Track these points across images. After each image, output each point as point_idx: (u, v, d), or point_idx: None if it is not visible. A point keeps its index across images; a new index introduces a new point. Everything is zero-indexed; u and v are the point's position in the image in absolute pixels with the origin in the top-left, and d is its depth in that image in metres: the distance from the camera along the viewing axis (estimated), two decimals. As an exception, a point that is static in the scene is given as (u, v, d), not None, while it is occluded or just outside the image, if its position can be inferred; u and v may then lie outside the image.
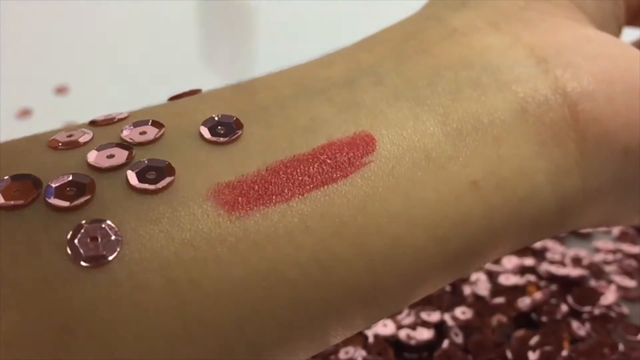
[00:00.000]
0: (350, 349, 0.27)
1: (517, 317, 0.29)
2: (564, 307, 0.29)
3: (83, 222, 0.14)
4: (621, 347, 0.27)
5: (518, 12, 0.21)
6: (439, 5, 0.22)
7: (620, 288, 0.30)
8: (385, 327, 0.28)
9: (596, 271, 0.31)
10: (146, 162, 0.16)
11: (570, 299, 0.29)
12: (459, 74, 0.19)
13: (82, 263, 0.14)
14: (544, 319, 0.28)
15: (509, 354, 0.27)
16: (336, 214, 0.16)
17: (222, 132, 0.17)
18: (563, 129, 0.19)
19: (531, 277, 0.31)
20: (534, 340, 0.27)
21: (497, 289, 0.30)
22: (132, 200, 0.15)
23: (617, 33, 0.23)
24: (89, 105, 0.45)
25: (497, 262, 0.31)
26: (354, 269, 0.17)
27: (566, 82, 0.19)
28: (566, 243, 0.33)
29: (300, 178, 0.16)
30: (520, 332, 0.28)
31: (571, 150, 0.19)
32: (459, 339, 0.27)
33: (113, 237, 0.15)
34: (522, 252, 0.32)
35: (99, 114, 0.18)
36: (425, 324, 0.28)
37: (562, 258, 0.32)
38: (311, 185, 0.16)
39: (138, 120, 0.17)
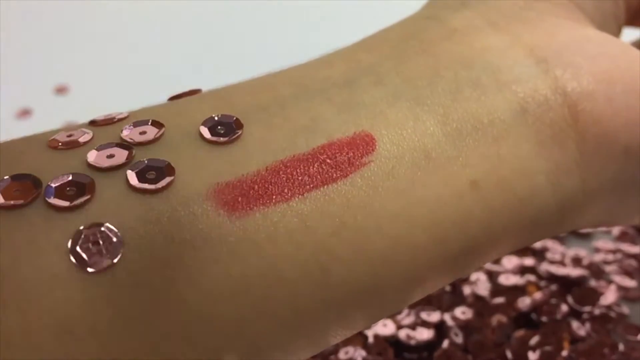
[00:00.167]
0: (350, 349, 0.27)
1: (517, 317, 0.29)
2: (564, 307, 0.29)
3: (81, 227, 0.14)
4: (621, 347, 0.27)
5: (518, 12, 0.21)
6: (439, 6, 0.22)
7: (620, 288, 0.30)
8: (385, 327, 0.28)
9: (596, 271, 0.31)
10: (146, 162, 0.16)
11: (570, 299, 0.29)
12: (459, 74, 0.19)
13: (89, 269, 0.14)
14: (544, 319, 0.28)
15: (509, 354, 0.27)
16: (336, 214, 0.16)
17: (222, 132, 0.17)
18: (563, 129, 0.19)
19: (531, 277, 0.31)
20: (534, 340, 0.27)
21: (497, 289, 0.30)
22: (132, 200, 0.15)
23: (616, 33, 0.23)
24: (89, 105, 0.45)
25: (497, 262, 0.31)
26: (354, 269, 0.17)
27: (566, 82, 0.19)
28: (566, 243, 0.33)
29: (300, 178, 0.16)
30: (520, 332, 0.28)
31: (571, 150, 0.19)
32: (459, 339, 0.27)
33: (115, 240, 0.15)
34: (522, 252, 0.32)
35: (99, 114, 0.18)
36: (425, 324, 0.28)
37: (562, 258, 0.32)
38: (311, 185, 0.16)
39: (138, 120, 0.17)
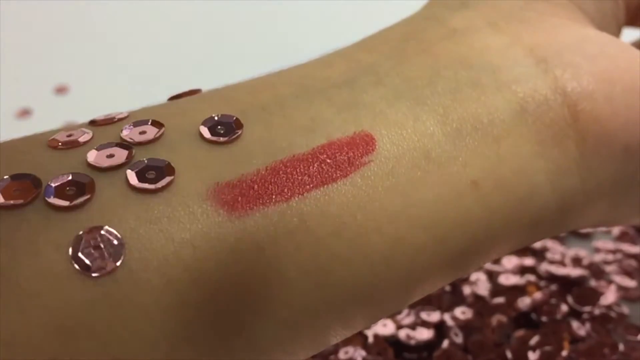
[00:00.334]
0: (350, 349, 0.27)
1: (517, 317, 0.29)
2: (564, 307, 0.29)
3: (81, 232, 0.14)
4: (621, 347, 0.27)
5: (518, 13, 0.21)
6: (439, 6, 0.22)
7: (620, 288, 0.30)
8: (385, 327, 0.28)
9: (596, 271, 0.31)
10: (146, 161, 0.16)
11: (570, 299, 0.29)
12: (458, 73, 0.19)
13: (93, 274, 0.14)
14: (544, 319, 0.28)
15: (509, 354, 0.27)
16: (336, 214, 0.16)
17: (222, 131, 0.17)
18: (563, 129, 0.19)
19: (531, 277, 0.31)
20: (534, 340, 0.27)
21: (497, 289, 0.30)
22: (131, 200, 0.15)
23: (616, 33, 0.23)
24: (89, 105, 0.45)
25: (497, 262, 0.31)
26: (354, 269, 0.17)
27: (566, 82, 0.19)
28: (566, 243, 0.33)
29: (300, 178, 0.16)
30: (520, 332, 0.28)
31: (571, 150, 0.19)
32: (459, 339, 0.27)
33: (116, 242, 0.15)
34: (522, 252, 0.32)
35: (99, 114, 0.18)
36: (425, 324, 0.28)
37: (562, 258, 0.32)
38: (311, 185, 0.16)
39: (138, 119, 0.17)
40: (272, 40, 0.54)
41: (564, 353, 0.27)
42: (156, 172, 0.16)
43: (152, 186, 0.15)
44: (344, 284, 0.17)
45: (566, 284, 0.30)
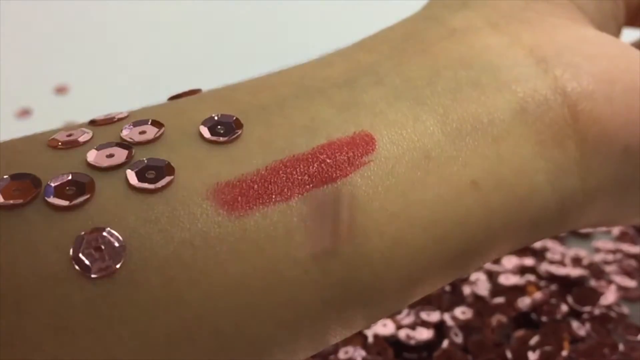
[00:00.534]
0: (350, 349, 0.27)
1: (517, 317, 0.29)
2: (564, 307, 0.29)
3: (83, 232, 0.14)
4: (621, 347, 0.27)
5: (518, 13, 0.21)
6: (439, 6, 0.22)
7: (620, 288, 0.30)
8: (384, 327, 0.28)
9: (596, 271, 0.31)
10: (146, 161, 0.16)
11: (570, 299, 0.29)
12: (458, 73, 0.19)
13: (93, 275, 0.14)
14: (544, 319, 0.28)
15: (508, 354, 0.27)
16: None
17: (221, 131, 0.17)
18: (563, 129, 0.19)
19: (531, 277, 0.31)
20: (534, 340, 0.27)
21: (497, 289, 0.30)
22: (131, 200, 0.15)
23: (616, 33, 0.23)
24: (89, 105, 0.45)
25: (497, 262, 0.31)
26: (354, 269, 0.17)
27: (566, 82, 0.19)
28: (566, 243, 0.33)
29: (300, 177, 0.16)
30: (520, 332, 0.28)
31: (571, 150, 0.19)
32: (459, 339, 0.27)
33: (117, 245, 0.15)
34: (522, 252, 0.32)
35: (99, 114, 0.18)
36: (425, 324, 0.28)
37: (562, 258, 0.32)
38: (311, 185, 0.16)
39: (138, 119, 0.17)
40: (272, 40, 0.54)
41: (564, 353, 0.27)
42: (156, 171, 0.16)
43: (151, 186, 0.15)
44: (344, 284, 0.17)
45: (566, 284, 0.30)
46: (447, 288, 0.30)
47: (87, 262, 0.14)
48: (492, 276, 0.31)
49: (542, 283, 0.30)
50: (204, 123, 0.17)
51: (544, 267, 0.31)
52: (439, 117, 0.18)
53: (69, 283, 0.14)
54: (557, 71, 0.19)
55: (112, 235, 0.15)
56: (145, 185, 0.15)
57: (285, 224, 0.16)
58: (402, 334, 0.28)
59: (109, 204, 0.15)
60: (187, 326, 0.15)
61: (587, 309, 0.29)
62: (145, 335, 0.15)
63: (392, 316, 0.28)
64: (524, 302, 0.29)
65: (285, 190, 0.16)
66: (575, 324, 0.28)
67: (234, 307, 0.15)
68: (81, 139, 0.16)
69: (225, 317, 0.15)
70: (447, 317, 0.28)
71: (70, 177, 0.15)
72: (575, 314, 0.29)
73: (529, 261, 0.31)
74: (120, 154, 0.16)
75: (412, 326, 0.28)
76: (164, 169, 0.16)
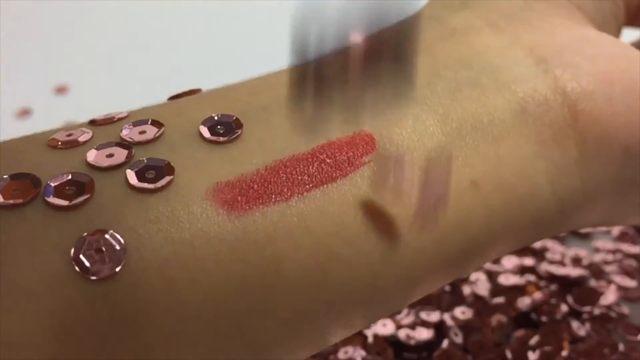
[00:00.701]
0: (350, 349, 0.27)
1: (517, 317, 0.29)
2: (564, 307, 0.29)
3: (85, 234, 0.14)
4: (621, 347, 0.27)
5: (518, 13, 0.21)
6: (439, 6, 0.22)
7: (620, 288, 0.30)
8: (384, 327, 0.28)
9: (596, 271, 0.31)
10: (145, 161, 0.16)
11: (570, 299, 0.29)
12: (458, 73, 0.19)
13: (92, 277, 0.14)
14: (543, 319, 0.28)
15: (508, 354, 0.27)
16: (336, 214, 0.16)
17: (221, 131, 0.17)
18: (563, 129, 0.19)
19: (531, 277, 0.31)
20: (534, 340, 0.27)
21: (497, 289, 0.30)
22: (131, 200, 0.15)
23: (616, 33, 0.23)
24: (89, 105, 0.45)
25: (497, 262, 0.31)
26: (354, 269, 0.17)
27: (566, 82, 0.19)
28: (566, 243, 0.33)
29: (299, 177, 0.16)
30: (520, 332, 0.28)
31: (571, 150, 0.19)
32: (459, 339, 0.27)
33: (118, 248, 0.14)
34: (522, 252, 0.32)
35: (99, 114, 0.18)
36: (425, 324, 0.28)
37: (562, 258, 0.32)
38: (311, 185, 0.16)
39: (138, 119, 0.17)
40: (272, 40, 0.54)
41: (564, 353, 0.27)
42: (156, 171, 0.16)
43: (151, 186, 0.15)
44: (344, 284, 0.17)
45: (566, 284, 0.30)
46: (447, 288, 0.30)
47: (87, 263, 0.14)
48: (492, 276, 0.31)
49: (542, 283, 0.30)
50: (203, 123, 0.17)
51: (544, 267, 0.31)
52: (439, 117, 0.18)
53: (69, 283, 0.14)
54: (557, 71, 0.19)
55: (114, 237, 0.15)
56: (145, 185, 0.15)
57: (285, 224, 0.16)
58: (402, 334, 0.28)
59: (109, 204, 0.15)
60: (187, 326, 0.15)
61: (587, 309, 0.29)
62: (145, 335, 0.15)
63: (392, 316, 0.28)
64: (524, 302, 0.29)
65: (285, 190, 0.16)
66: (575, 324, 0.28)
67: (234, 307, 0.15)
68: (81, 138, 0.16)
69: (225, 317, 0.15)
70: (447, 317, 0.28)
71: (70, 177, 0.15)
72: (575, 314, 0.29)
73: (528, 261, 0.31)
74: (120, 154, 0.16)
75: (412, 326, 0.28)
76: (163, 169, 0.16)
